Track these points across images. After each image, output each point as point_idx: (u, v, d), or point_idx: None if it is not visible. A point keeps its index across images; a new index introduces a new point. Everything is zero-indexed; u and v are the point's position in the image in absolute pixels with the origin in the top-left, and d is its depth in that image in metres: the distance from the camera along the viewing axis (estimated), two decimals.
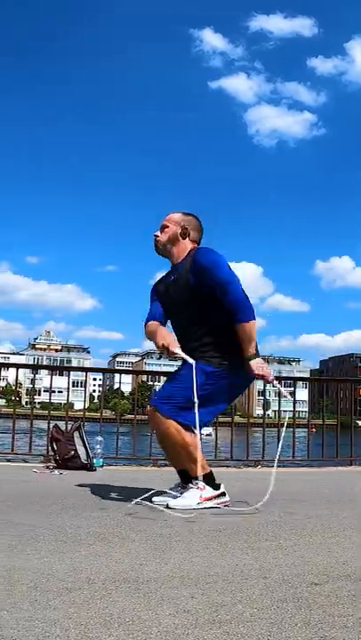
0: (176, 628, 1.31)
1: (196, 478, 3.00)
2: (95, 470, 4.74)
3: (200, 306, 3.11)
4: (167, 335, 3.09)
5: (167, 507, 2.88)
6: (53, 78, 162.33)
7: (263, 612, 1.43)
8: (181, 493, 3.05)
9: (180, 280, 3.18)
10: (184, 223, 3.29)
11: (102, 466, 4.96)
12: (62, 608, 1.42)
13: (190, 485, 3.04)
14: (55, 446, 4.82)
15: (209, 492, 3.01)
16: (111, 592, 1.56)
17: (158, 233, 3.30)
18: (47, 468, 4.75)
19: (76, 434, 4.79)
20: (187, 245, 3.28)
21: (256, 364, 3.05)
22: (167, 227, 3.30)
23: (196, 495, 2.98)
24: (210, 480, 3.06)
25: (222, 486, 3.09)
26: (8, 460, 5.41)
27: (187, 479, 3.08)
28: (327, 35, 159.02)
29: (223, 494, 3.07)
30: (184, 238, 3.28)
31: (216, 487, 3.06)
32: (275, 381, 3.22)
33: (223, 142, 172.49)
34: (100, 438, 5.09)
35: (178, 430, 2.97)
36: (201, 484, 3.00)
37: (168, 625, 1.33)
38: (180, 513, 2.76)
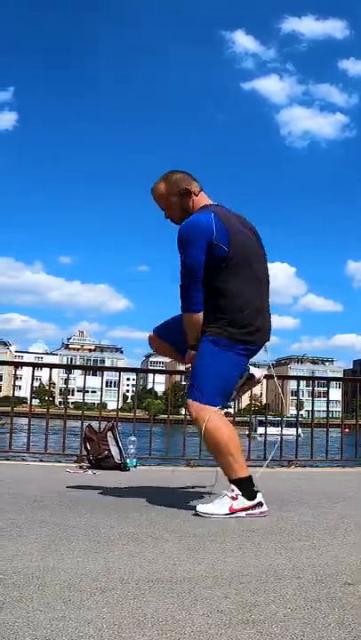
0: (209, 628, 1.31)
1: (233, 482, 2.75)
2: (128, 470, 4.76)
3: None
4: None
5: (195, 512, 2.73)
6: (82, 79, 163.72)
7: (297, 612, 1.42)
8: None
9: None
10: (177, 184, 2.94)
11: (136, 466, 4.97)
12: (96, 608, 1.43)
13: (224, 491, 2.76)
14: (88, 446, 4.85)
15: (241, 502, 2.71)
16: (145, 592, 1.57)
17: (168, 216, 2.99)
18: (80, 467, 4.79)
19: (110, 434, 4.81)
20: (201, 202, 2.94)
21: (188, 354, 2.96)
22: (167, 202, 2.98)
23: (226, 505, 2.70)
24: (246, 486, 2.74)
25: (260, 495, 2.76)
26: (41, 460, 5.46)
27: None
28: (359, 36, 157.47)
29: (259, 504, 2.73)
30: (190, 197, 2.93)
31: (251, 496, 2.73)
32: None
33: (255, 143, 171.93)
34: (133, 438, 5.10)
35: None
36: (236, 491, 2.72)
37: (201, 625, 1.33)
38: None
